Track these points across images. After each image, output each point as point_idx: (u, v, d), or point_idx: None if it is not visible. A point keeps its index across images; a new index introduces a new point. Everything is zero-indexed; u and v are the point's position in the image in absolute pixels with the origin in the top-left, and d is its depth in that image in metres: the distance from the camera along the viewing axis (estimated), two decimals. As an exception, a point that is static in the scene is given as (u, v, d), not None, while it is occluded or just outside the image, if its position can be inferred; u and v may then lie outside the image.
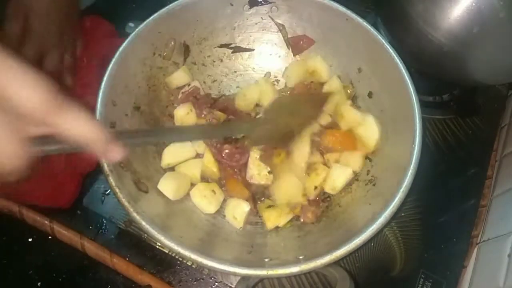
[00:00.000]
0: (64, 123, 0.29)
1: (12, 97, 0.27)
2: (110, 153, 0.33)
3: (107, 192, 0.65)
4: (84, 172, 0.65)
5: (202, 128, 0.56)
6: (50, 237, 0.61)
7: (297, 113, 0.57)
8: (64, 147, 0.31)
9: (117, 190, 0.46)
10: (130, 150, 0.54)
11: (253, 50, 0.68)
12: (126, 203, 0.46)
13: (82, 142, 0.30)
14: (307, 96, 0.64)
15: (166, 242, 0.45)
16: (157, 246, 0.62)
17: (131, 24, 0.76)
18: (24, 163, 0.29)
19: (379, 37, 0.57)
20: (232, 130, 0.55)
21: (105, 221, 0.64)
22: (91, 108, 0.50)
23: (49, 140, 0.30)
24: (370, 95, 0.62)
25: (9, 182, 0.29)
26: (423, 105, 0.53)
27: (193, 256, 0.44)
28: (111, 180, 0.47)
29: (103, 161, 0.47)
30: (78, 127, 0.30)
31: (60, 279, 0.60)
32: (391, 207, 0.47)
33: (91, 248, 0.59)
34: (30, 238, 0.62)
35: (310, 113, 0.59)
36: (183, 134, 0.49)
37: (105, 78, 0.52)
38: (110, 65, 0.53)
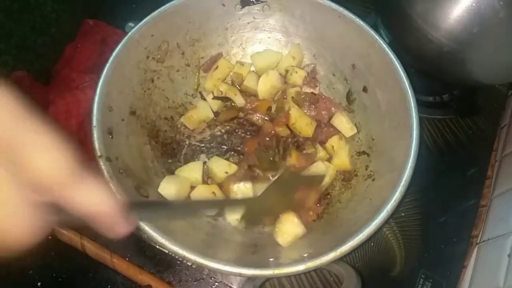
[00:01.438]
0: (78, 196, 0.26)
1: (29, 161, 0.24)
2: (118, 228, 0.30)
3: (107, 192, 0.65)
4: None
5: (205, 203, 0.55)
6: (50, 237, 0.60)
7: (291, 194, 0.55)
8: (74, 219, 0.28)
9: (118, 196, 0.46)
10: (128, 156, 0.54)
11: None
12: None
13: (92, 216, 0.28)
14: (303, 177, 0.62)
15: (170, 246, 0.44)
16: (157, 246, 0.62)
17: (131, 24, 0.76)
18: (33, 233, 0.26)
19: (372, 32, 0.57)
20: (230, 205, 0.54)
21: (105, 221, 0.64)
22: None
23: (58, 210, 0.27)
24: (365, 90, 0.62)
25: (13, 253, 0.26)
26: (423, 105, 0.53)
27: (199, 260, 0.44)
28: (112, 186, 0.47)
29: (103, 167, 0.47)
30: (91, 202, 0.27)
31: (60, 279, 0.60)
32: (392, 201, 0.47)
33: (91, 248, 0.59)
34: (30, 238, 0.61)
35: (302, 194, 0.58)
36: (190, 207, 0.47)
37: (100, 84, 0.52)
38: (105, 71, 0.53)
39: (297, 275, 0.62)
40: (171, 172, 0.61)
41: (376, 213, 0.46)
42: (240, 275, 0.44)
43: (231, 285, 0.61)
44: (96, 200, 0.27)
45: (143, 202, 0.50)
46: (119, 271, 0.59)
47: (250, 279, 0.55)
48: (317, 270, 0.62)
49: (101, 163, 0.47)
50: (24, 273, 0.60)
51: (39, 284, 0.59)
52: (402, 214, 0.68)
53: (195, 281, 0.61)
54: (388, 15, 0.69)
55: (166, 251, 0.62)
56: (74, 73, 0.70)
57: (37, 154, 0.24)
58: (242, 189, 0.59)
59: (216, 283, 0.61)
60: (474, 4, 0.55)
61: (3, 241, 0.25)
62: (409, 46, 0.65)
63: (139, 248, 0.62)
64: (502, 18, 0.54)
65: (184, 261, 0.62)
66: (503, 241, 0.60)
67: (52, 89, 0.68)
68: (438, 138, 0.76)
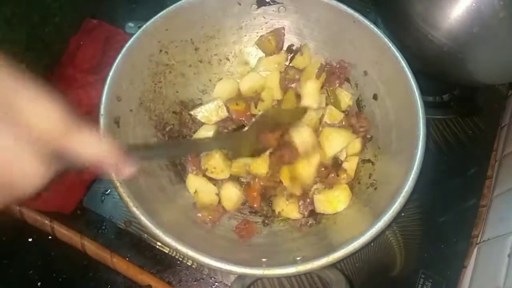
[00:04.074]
0: (76, 143, 0.30)
1: (27, 117, 0.27)
2: (120, 170, 0.35)
3: (107, 192, 0.65)
4: (91, 178, 0.65)
5: (199, 142, 0.59)
6: (50, 237, 0.61)
7: (279, 126, 0.59)
8: (77, 164, 0.32)
9: (118, 184, 0.46)
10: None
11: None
12: (126, 198, 0.46)
13: (93, 160, 0.32)
14: (290, 110, 0.64)
15: (164, 238, 0.45)
16: (157, 246, 0.62)
17: (131, 24, 0.76)
18: (42, 180, 0.29)
19: (386, 40, 0.57)
20: (220, 144, 0.58)
21: (105, 221, 0.64)
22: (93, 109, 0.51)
23: (62, 158, 0.31)
24: (375, 97, 0.62)
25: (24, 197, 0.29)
26: (423, 105, 0.53)
27: (191, 253, 0.44)
28: (113, 174, 0.47)
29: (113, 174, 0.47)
30: (89, 147, 0.31)
31: (60, 279, 0.60)
32: (391, 211, 0.46)
33: (91, 248, 0.59)
34: (30, 238, 0.62)
35: (288, 126, 0.61)
36: (186, 147, 0.53)
37: (111, 73, 0.52)
38: (116, 61, 0.53)
39: (297, 275, 0.62)
40: (175, 165, 0.61)
41: (374, 222, 0.46)
42: (230, 272, 0.44)
43: (231, 285, 0.61)
44: (94, 148, 0.31)
45: (138, 145, 0.53)
46: (119, 271, 0.59)
47: (240, 277, 0.55)
48: (313, 272, 0.62)
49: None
50: (24, 273, 0.60)
51: (39, 284, 0.59)
52: (402, 214, 0.68)
53: (195, 281, 0.61)
54: (388, 15, 0.69)
55: (165, 250, 0.62)
56: (77, 73, 0.70)
57: (33, 109, 0.28)
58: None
59: (216, 283, 0.61)
60: (474, 4, 0.55)
61: (7, 186, 0.28)
62: (409, 46, 0.64)
63: (139, 248, 0.62)
64: (502, 18, 0.54)
65: (184, 261, 0.62)
66: (503, 241, 0.60)
67: (54, 87, 0.68)
68: (438, 138, 0.76)
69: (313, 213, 0.60)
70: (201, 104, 0.67)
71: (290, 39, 0.69)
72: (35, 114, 0.28)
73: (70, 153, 0.30)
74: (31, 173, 0.28)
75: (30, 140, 0.27)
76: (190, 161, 0.62)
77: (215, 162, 0.60)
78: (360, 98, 0.65)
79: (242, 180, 0.63)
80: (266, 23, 0.67)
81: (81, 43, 0.75)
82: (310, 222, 0.59)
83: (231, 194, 0.59)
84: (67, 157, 0.30)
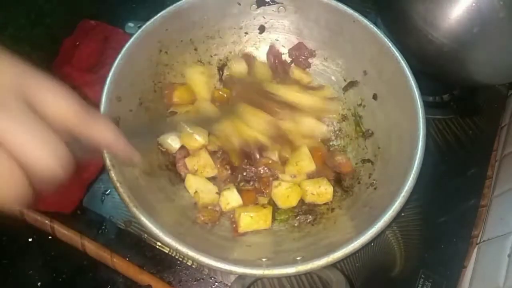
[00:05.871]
0: (92, 130, 0.32)
1: (47, 107, 0.29)
2: (128, 154, 0.37)
3: (107, 192, 0.65)
4: (91, 178, 0.65)
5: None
6: (50, 237, 0.61)
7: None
8: (89, 151, 0.34)
9: (118, 184, 0.47)
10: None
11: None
12: (126, 198, 0.46)
13: (105, 146, 0.34)
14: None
15: (164, 238, 0.45)
16: (157, 246, 0.62)
17: (131, 24, 0.76)
18: (64, 170, 0.29)
19: (386, 39, 0.57)
20: None
21: (105, 221, 0.64)
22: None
23: (78, 145, 0.32)
24: (375, 97, 0.62)
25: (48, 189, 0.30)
26: (423, 105, 0.53)
27: (191, 253, 0.44)
28: (113, 174, 0.47)
29: (106, 156, 0.48)
30: (103, 134, 0.33)
31: (60, 279, 0.60)
32: (390, 211, 0.47)
33: (92, 248, 0.59)
34: (30, 238, 0.62)
35: None
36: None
37: (110, 73, 0.52)
38: (116, 61, 0.53)
39: (297, 276, 0.62)
40: (175, 165, 0.61)
41: (374, 222, 0.46)
42: (230, 272, 0.44)
43: (231, 285, 0.61)
44: (110, 132, 0.34)
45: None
46: (119, 271, 0.59)
47: (240, 277, 0.55)
48: (313, 272, 0.62)
49: (105, 151, 0.48)
50: (24, 273, 0.60)
51: (39, 284, 0.59)
52: (402, 214, 0.68)
53: (195, 281, 0.61)
54: (388, 15, 0.69)
55: (165, 250, 0.62)
56: (75, 72, 0.70)
57: (51, 98, 0.29)
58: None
59: (216, 283, 0.61)
60: (474, 4, 0.55)
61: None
62: (409, 46, 0.65)
63: (139, 248, 0.62)
64: (502, 18, 0.54)
65: (184, 261, 0.62)
66: (503, 241, 0.60)
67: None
68: (438, 138, 0.76)
69: (312, 211, 0.60)
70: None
71: (289, 39, 0.69)
72: (54, 101, 0.29)
73: (88, 139, 0.32)
74: (59, 161, 0.28)
75: (54, 129, 0.28)
76: (180, 165, 0.61)
77: (204, 160, 0.59)
78: (360, 98, 0.65)
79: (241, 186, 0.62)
80: (266, 23, 0.67)
81: (77, 43, 0.74)
82: (309, 220, 0.59)
83: (231, 197, 0.59)
84: (85, 143, 0.32)
